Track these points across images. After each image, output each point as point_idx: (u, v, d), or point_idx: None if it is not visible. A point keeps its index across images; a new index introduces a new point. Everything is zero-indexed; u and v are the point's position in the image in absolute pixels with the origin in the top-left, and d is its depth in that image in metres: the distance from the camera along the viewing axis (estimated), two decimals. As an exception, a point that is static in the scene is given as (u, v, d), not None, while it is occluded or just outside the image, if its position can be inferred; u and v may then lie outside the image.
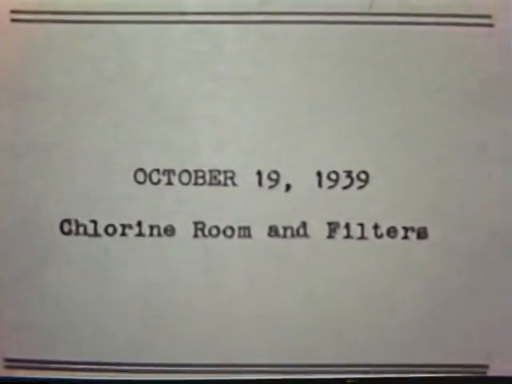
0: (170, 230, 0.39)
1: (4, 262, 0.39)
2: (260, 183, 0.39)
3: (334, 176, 0.39)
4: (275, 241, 0.39)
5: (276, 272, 0.39)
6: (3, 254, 0.39)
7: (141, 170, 0.39)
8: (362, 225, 0.39)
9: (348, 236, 0.39)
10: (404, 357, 0.39)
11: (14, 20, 0.40)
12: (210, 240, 0.39)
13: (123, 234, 0.39)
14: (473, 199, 0.39)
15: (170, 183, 0.39)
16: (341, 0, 0.40)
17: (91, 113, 0.39)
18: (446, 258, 0.39)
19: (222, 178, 0.39)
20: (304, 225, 0.39)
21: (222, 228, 0.39)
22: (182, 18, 0.39)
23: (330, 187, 0.39)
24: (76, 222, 0.39)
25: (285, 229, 0.39)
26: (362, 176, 0.39)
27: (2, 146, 0.39)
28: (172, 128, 0.39)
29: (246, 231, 0.39)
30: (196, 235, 0.39)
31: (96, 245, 0.39)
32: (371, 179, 0.39)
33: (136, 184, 0.39)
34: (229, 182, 0.39)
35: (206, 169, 0.39)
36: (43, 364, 0.39)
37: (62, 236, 0.39)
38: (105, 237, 0.39)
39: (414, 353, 0.39)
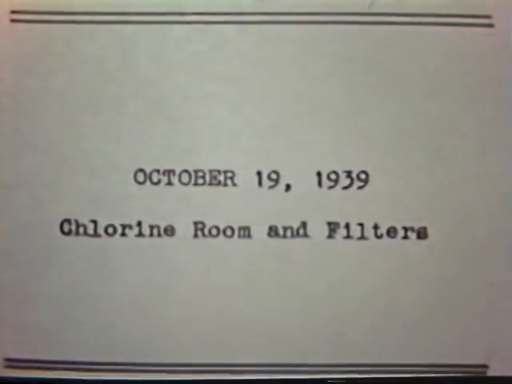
0: (170, 230, 0.39)
1: (4, 262, 0.39)
2: (260, 183, 0.39)
3: (333, 176, 0.39)
4: (275, 241, 0.39)
5: (276, 272, 0.39)
6: (3, 254, 0.39)
7: (141, 170, 0.39)
8: (361, 225, 0.39)
9: (348, 236, 0.39)
10: (403, 357, 0.39)
11: (13, 20, 0.40)
12: (209, 240, 0.39)
13: (123, 234, 0.39)
14: (473, 199, 0.39)
15: (170, 183, 0.39)
16: (340, 0, 0.40)
17: (91, 113, 0.39)
18: (446, 258, 0.39)
19: (221, 178, 0.39)
20: (304, 225, 0.39)
21: (221, 228, 0.39)
22: (181, 18, 0.40)
23: (330, 187, 0.39)
24: (76, 222, 0.39)
25: (285, 229, 0.39)
26: (362, 176, 0.39)
27: (2, 146, 0.39)
28: (172, 128, 0.39)
29: (245, 231, 0.39)
30: (196, 235, 0.39)
31: (96, 245, 0.39)
32: (371, 179, 0.39)
33: (136, 184, 0.39)
34: (229, 182, 0.39)
35: (205, 169, 0.39)
36: (43, 364, 0.39)
37: (62, 236, 0.39)
38: (105, 237, 0.39)
39: (413, 353, 0.39)
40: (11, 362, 0.39)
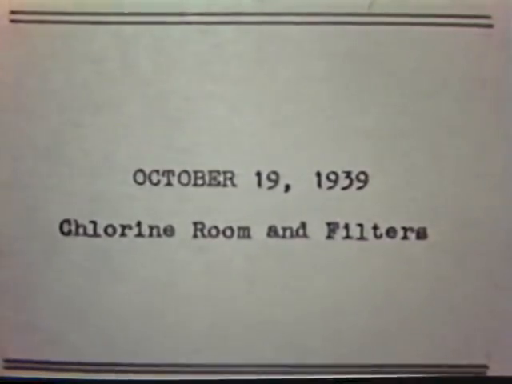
0: (169, 231, 0.39)
1: (4, 262, 0.39)
2: (259, 184, 0.39)
3: (333, 176, 0.39)
4: (274, 241, 0.39)
5: (275, 272, 0.39)
6: (2, 254, 0.39)
7: (140, 170, 0.39)
8: (361, 225, 0.39)
9: (347, 236, 0.39)
10: (403, 357, 0.39)
11: (13, 21, 0.40)
12: (209, 240, 0.39)
13: (123, 234, 0.39)
14: (472, 199, 0.39)
15: (169, 184, 0.39)
16: (340, 0, 0.40)
17: (91, 113, 0.39)
18: (446, 258, 0.39)
19: (221, 178, 0.39)
20: (303, 225, 0.39)
21: (221, 228, 0.39)
22: (181, 18, 0.40)
23: (330, 188, 0.39)
24: (76, 222, 0.39)
25: (284, 229, 0.39)
26: (362, 177, 0.39)
27: (2, 147, 0.39)
28: (171, 129, 0.39)
29: (245, 232, 0.39)
30: (195, 235, 0.39)
31: (95, 245, 0.39)
32: (370, 180, 0.39)
33: (135, 185, 0.39)
34: (228, 182, 0.39)
35: (205, 169, 0.39)
36: (43, 364, 0.39)
37: (62, 236, 0.39)
38: (104, 237, 0.39)
39: (412, 353, 0.39)
40: (11, 363, 0.39)
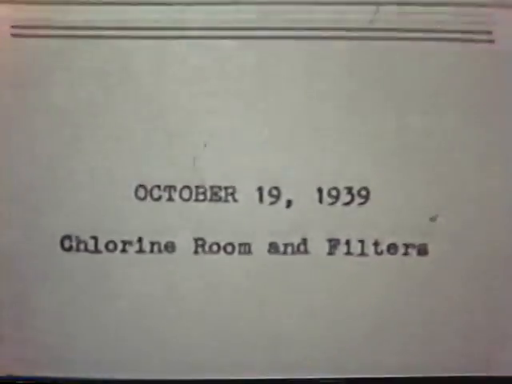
0: (170, 247, 0.39)
1: (4, 278, 0.39)
2: (261, 199, 0.39)
3: (334, 192, 0.39)
4: (275, 257, 0.39)
5: (276, 288, 0.39)
6: (3, 269, 0.39)
7: (142, 186, 0.39)
8: (362, 241, 0.39)
9: (348, 252, 0.39)
10: (404, 371, 0.39)
11: (14, 35, 0.39)
12: (210, 256, 0.39)
13: (124, 250, 0.39)
14: (473, 216, 0.39)
15: (170, 199, 0.39)
16: (341, 16, 0.39)
17: (92, 128, 0.39)
18: (447, 274, 0.39)
19: (222, 194, 0.39)
20: (304, 241, 0.39)
21: (222, 244, 0.39)
22: (182, 33, 0.39)
23: (331, 204, 0.39)
24: (77, 238, 0.39)
25: (285, 245, 0.39)
26: (363, 192, 0.39)
27: (2, 161, 0.39)
28: (173, 144, 0.39)
29: (246, 248, 0.39)
30: (196, 251, 0.39)
31: (96, 261, 0.39)
32: (372, 196, 0.39)
33: (137, 200, 0.39)
34: (229, 198, 0.39)
35: (206, 185, 0.39)
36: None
37: (63, 252, 0.39)
38: (105, 253, 0.39)
39: (413, 367, 0.39)
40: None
